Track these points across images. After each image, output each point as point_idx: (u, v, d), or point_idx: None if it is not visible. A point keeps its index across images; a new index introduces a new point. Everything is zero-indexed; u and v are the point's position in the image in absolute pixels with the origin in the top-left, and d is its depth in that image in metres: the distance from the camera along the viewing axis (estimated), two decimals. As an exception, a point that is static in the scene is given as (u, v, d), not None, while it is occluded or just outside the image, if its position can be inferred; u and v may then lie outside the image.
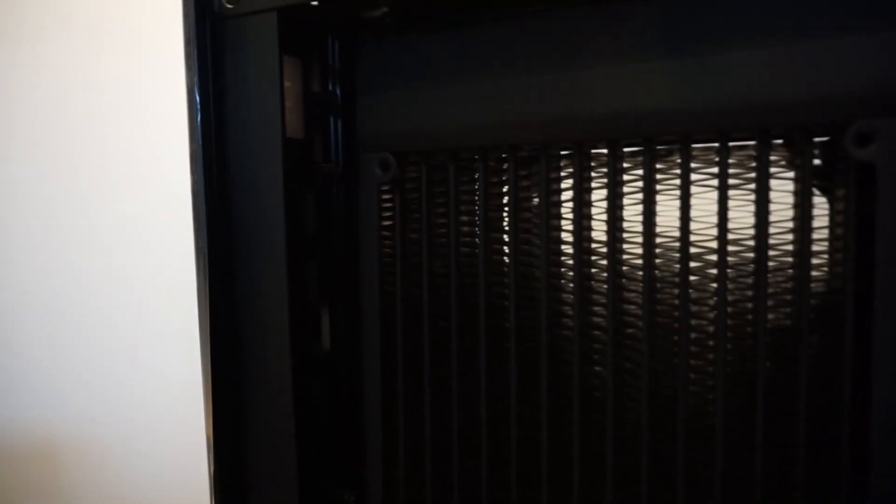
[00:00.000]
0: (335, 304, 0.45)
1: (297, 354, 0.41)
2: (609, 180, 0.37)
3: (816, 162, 0.35)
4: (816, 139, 0.34)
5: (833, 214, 0.35)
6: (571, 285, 0.38)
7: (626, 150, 0.37)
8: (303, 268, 0.43)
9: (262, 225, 0.40)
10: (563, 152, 0.39)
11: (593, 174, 0.38)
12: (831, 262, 0.34)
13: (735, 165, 0.35)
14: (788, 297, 0.34)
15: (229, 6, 0.40)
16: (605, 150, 0.37)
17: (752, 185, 0.34)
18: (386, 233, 0.42)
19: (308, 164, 0.43)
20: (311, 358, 0.43)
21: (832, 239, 0.34)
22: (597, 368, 0.38)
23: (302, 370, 0.42)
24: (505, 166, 0.40)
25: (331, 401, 0.45)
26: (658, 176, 0.36)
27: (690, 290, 0.35)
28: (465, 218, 0.41)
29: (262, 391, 0.42)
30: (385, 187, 0.42)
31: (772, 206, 0.34)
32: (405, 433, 0.43)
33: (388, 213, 0.42)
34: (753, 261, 0.34)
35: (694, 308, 0.36)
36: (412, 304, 0.42)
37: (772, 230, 0.34)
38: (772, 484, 0.34)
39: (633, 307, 0.37)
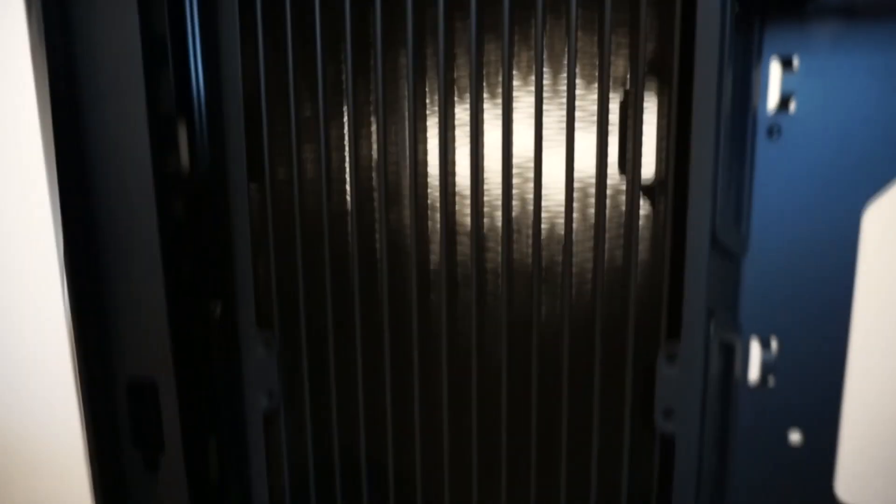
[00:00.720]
0: (193, 119, 0.42)
1: (157, 170, 0.40)
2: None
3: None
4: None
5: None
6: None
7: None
8: (157, 77, 0.40)
9: (112, 31, 0.38)
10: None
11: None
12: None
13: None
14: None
15: None
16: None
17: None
18: (252, 36, 0.39)
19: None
20: (171, 174, 0.42)
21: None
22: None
23: (162, 186, 0.40)
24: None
25: (196, 218, 0.43)
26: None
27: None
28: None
29: (122, 208, 0.41)
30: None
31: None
32: (275, 248, 0.42)
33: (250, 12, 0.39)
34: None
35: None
36: (280, 112, 0.40)
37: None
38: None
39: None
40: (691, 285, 0.36)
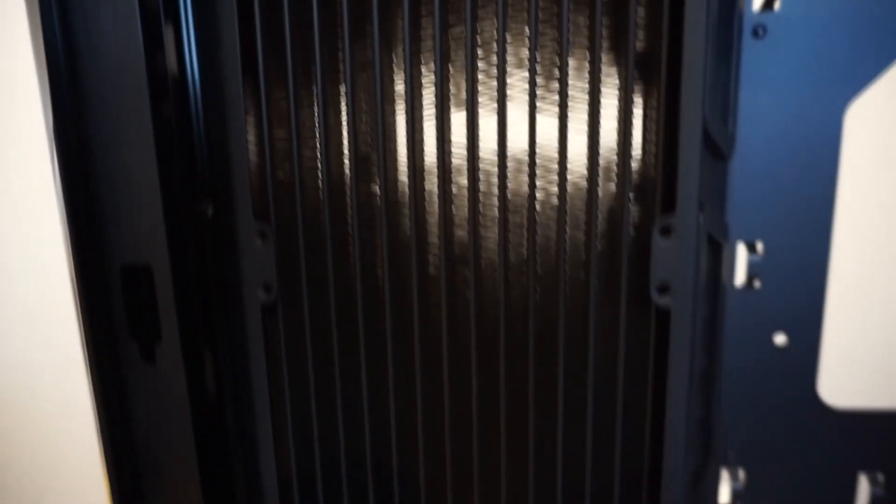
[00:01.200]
0: (179, 16, 0.42)
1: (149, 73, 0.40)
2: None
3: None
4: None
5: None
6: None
7: None
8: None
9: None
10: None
11: None
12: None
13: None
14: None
15: None
16: None
17: None
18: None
19: None
20: (159, 77, 0.41)
21: None
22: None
23: (153, 91, 0.40)
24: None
25: (185, 123, 0.43)
26: None
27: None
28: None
29: (114, 103, 0.40)
30: None
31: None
32: (271, 149, 0.42)
33: None
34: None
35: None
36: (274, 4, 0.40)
37: None
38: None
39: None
40: (685, 157, 0.36)
